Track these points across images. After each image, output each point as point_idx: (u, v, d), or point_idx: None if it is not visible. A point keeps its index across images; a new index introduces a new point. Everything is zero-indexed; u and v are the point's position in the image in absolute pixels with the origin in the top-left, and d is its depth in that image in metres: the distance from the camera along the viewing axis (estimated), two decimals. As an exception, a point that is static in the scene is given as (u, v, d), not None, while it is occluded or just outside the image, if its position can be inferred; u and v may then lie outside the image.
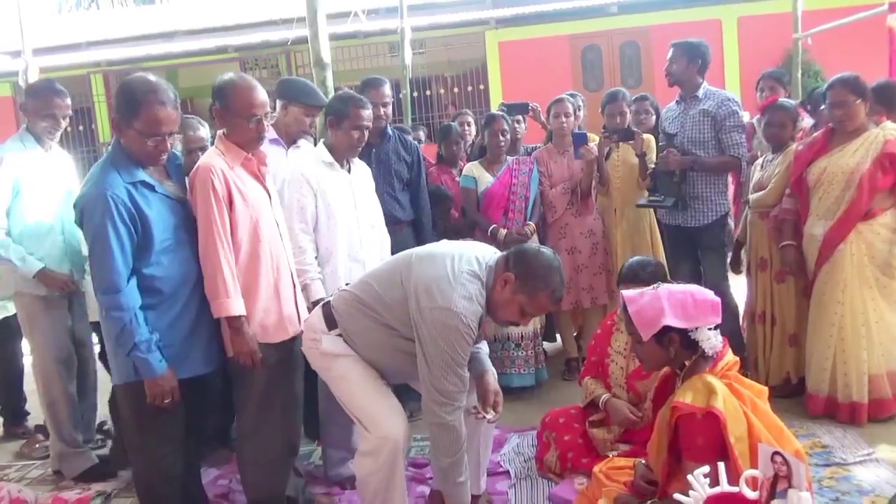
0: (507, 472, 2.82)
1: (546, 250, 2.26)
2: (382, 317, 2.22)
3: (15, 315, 3.79)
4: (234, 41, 10.36)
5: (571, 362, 4.01)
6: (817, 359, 3.11)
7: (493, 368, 2.43)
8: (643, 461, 2.23)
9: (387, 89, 3.40)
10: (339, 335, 2.27)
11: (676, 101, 3.70)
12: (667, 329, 2.00)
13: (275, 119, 3.12)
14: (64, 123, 3.10)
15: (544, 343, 3.98)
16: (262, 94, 2.32)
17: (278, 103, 3.08)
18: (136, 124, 2.14)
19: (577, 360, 4.02)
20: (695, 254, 3.68)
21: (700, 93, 3.58)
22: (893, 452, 2.74)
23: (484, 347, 2.49)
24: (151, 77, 2.19)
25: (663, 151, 3.52)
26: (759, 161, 3.55)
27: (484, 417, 2.31)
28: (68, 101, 3.09)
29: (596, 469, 2.37)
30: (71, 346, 3.15)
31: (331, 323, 2.29)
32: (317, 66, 4.09)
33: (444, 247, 2.31)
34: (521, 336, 3.65)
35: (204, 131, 3.03)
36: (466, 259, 2.18)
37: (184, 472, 2.37)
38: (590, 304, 3.89)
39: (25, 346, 3.75)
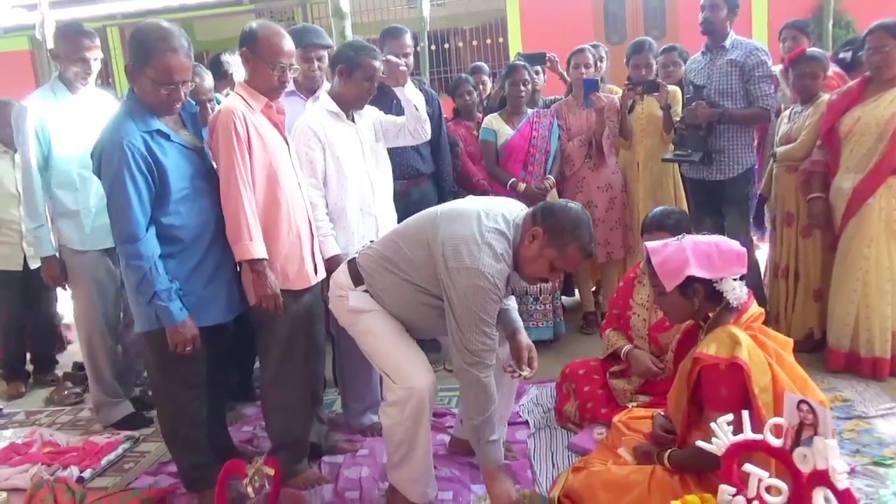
0: (526, 422, 2.85)
1: (574, 204, 2.22)
2: (409, 275, 2.20)
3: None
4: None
5: (589, 316, 4.02)
6: (840, 313, 3.07)
7: (522, 325, 2.42)
8: (662, 412, 2.24)
9: (408, 39, 3.33)
10: (366, 291, 2.26)
11: (702, 52, 3.59)
12: (691, 280, 1.98)
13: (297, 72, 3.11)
14: (96, 67, 3.03)
15: (562, 297, 3.98)
16: (289, 44, 2.29)
17: None
18: (148, 72, 2.11)
19: (594, 314, 4.03)
20: (718, 208, 3.62)
21: (727, 43, 3.47)
22: (915, 407, 2.73)
23: (513, 304, 2.47)
24: (164, 23, 2.15)
25: (691, 104, 3.43)
26: (786, 113, 3.45)
27: (520, 375, 2.33)
28: (98, 42, 3.02)
29: (615, 419, 2.39)
30: (114, 297, 3.13)
31: (357, 279, 2.28)
32: (335, 17, 4.03)
33: (469, 204, 2.28)
34: (540, 290, 3.64)
35: (209, 82, 2.99)
36: (493, 217, 2.16)
37: (209, 418, 2.42)
38: (605, 258, 3.86)
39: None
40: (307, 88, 3.08)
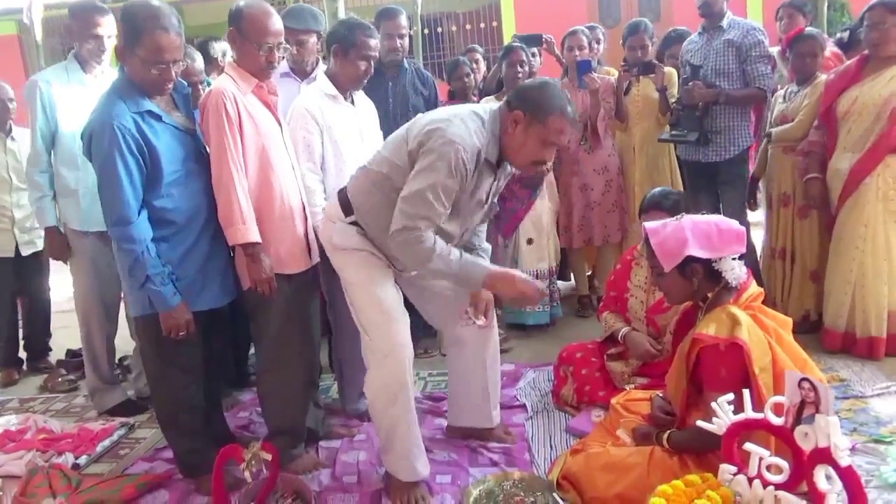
0: (524, 405, 2.84)
1: (539, 78, 2.20)
2: (393, 182, 2.13)
3: (43, 251, 3.84)
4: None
5: (584, 299, 4.01)
6: (836, 293, 3.07)
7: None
8: (660, 394, 2.24)
9: (403, 20, 3.28)
10: (354, 222, 2.21)
11: (699, 33, 3.57)
12: (690, 259, 1.97)
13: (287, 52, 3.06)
14: (109, 44, 2.97)
15: (559, 282, 3.96)
16: (276, 23, 2.24)
17: None
18: (138, 51, 2.07)
19: (589, 298, 4.03)
20: (714, 190, 3.61)
21: (724, 23, 3.44)
22: (911, 386, 2.74)
23: (486, 249, 2.45)
24: (154, 1, 2.11)
25: (688, 84, 3.41)
26: (781, 93, 3.43)
27: (475, 323, 2.33)
28: (111, 18, 2.96)
29: (613, 401, 2.38)
30: (114, 281, 3.00)
31: (346, 208, 2.23)
32: (327, -2, 3.97)
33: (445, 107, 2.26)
34: (536, 274, 3.62)
35: (200, 64, 2.94)
36: (468, 107, 2.17)
37: (205, 403, 2.40)
38: (602, 241, 3.85)
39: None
40: (299, 71, 3.03)
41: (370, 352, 2.23)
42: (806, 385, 1.51)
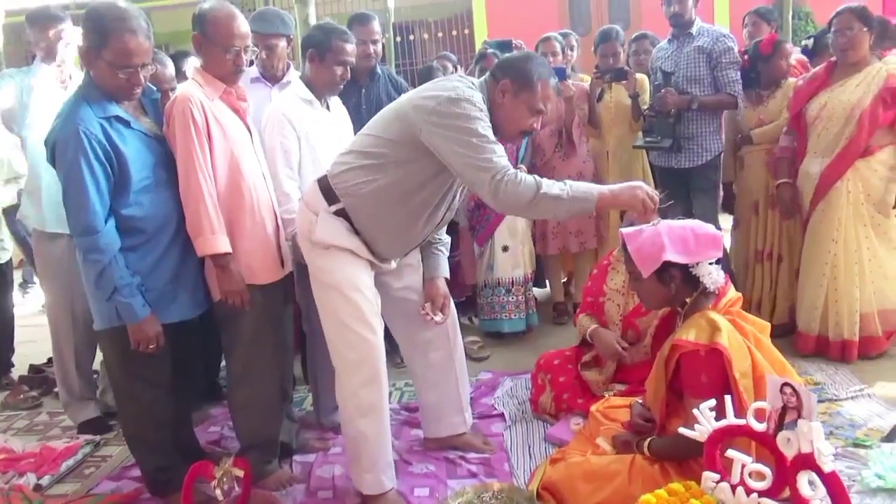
0: (502, 414, 2.81)
1: (517, 51, 2.19)
2: (388, 157, 2.08)
3: (7, 263, 3.71)
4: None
5: (560, 306, 4.00)
6: (809, 297, 3.10)
7: (446, 273, 2.42)
8: (640, 401, 2.22)
9: (375, 25, 3.25)
10: (340, 210, 2.13)
11: (669, 40, 3.60)
12: (667, 265, 1.96)
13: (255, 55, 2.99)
14: (68, 52, 2.90)
15: (534, 289, 3.95)
16: (242, 25, 2.17)
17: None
18: (105, 55, 2.00)
19: (564, 305, 4.02)
20: (687, 195, 3.62)
21: (694, 30, 3.48)
22: (884, 388, 2.76)
23: (445, 242, 2.44)
24: (121, 3, 2.04)
25: (660, 91, 3.43)
26: (740, 101, 3.46)
27: (432, 319, 2.33)
28: (67, 24, 2.89)
29: (593, 409, 2.36)
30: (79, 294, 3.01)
31: (330, 196, 2.14)
32: (299, 3, 3.92)
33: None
34: (512, 282, 3.61)
35: (171, 70, 2.88)
36: (455, 77, 2.17)
37: (174, 418, 2.32)
38: (578, 248, 3.84)
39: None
40: (269, 77, 2.98)
41: (341, 358, 2.17)
42: (788, 390, 1.50)
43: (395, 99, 3.37)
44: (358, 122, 3.06)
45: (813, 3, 8.08)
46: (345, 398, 2.19)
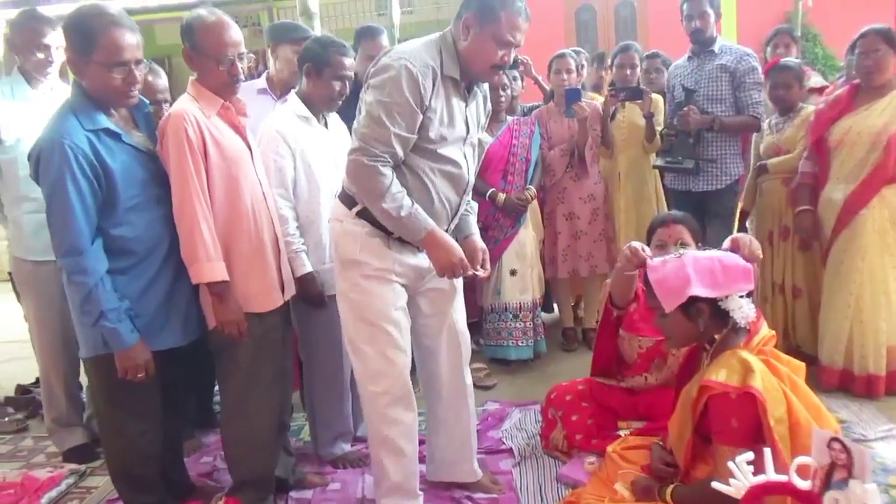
0: (510, 449, 2.66)
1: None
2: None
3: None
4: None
5: (568, 332, 3.86)
6: (833, 329, 2.96)
7: (477, 231, 2.30)
8: (660, 442, 2.08)
9: (383, 39, 3.14)
10: (360, 213, 2.05)
11: (689, 58, 3.47)
12: (694, 299, 1.83)
13: (269, 71, 2.91)
14: (58, 56, 2.76)
15: (543, 314, 3.81)
16: (234, 33, 2.04)
17: (269, 54, 2.85)
18: (96, 56, 1.88)
19: (573, 330, 3.88)
20: (702, 221, 3.49)
21: (716, 47, 3.36)
22: (914, 428, 2.62)
23: (473, 209, 2.32)
24: (101, 3, 1.94)
25: (683, 108, 3.29)
26: (764, 125, 3.35)
27: (475, 274, 2.18)
28: (58, 30, 2.70)
29: (609, 449, 2.22)
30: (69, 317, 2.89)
31: (348, 200, 2.08)
32: (303, 16, 3.82)
33: None
34: (520, 307, 3.48)
35: (164, 81, 2.76)
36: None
37: (162, 451, 2.18)
38: (588, 272, 3.71)
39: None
40: (283, 87, 2.86)
41: (366, 372, 2.11)
42: (837, 445, 1.36)
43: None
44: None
45: (820, 25, 8.01)
46: (374, 420, 2.13)
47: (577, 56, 3.88)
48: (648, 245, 2.40)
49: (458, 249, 2.03)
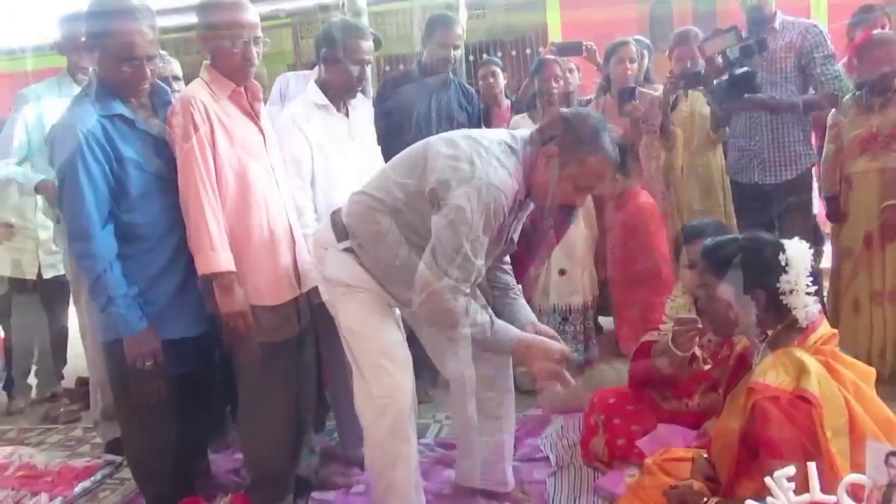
0: (547, 458, 2.47)
1: (585, 110, 1.94)
2: (403, 212, 1.88)
3: (63, 276, 3.70)
4: (286, 5, 10.12)
5: (627, 338, 3.61)
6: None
7: (533, 319, 2.14)
8: (704, 454, 1.85)
9: (458, 29, 3.03)
10: (348, 249, 1.92)
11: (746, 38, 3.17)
12: (753, 282, 1.60)
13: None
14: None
15: (598, 317, 3.58)
16: (249, 14, 2.00)
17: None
18: (109, 48, 1.90)
19: (633, 336, 3.63)
20: (770, 219, 3.14)
21: (777, 24, 3.06)
22: None
23: (514, 290, 2.17)
24: None
25: (625, 107, 3.07)
26: (848, 108, 2.97)
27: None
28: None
29: (648, 460, 1.99)
30: None
31: (340, 233, 1.94)
32: (350, 13, 3.77)
33: (463, 131, 2.01)
34: (569, 309, 3.26)
35: (174, 67, 2.75)
36: (496, 134, 1.90)
37: (181, 443, 2.13)
38: (647, 273, 3.46)
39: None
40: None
41: (367, 401, 1.96)
42: (897, 461, 1.12)
43: (465, 109, 3.19)
44: (427, 130, 2.86)
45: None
46: (373, 444, 1.99)
47: (638, 44, 3.65)
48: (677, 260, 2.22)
49: (554, 347, 1.90)
